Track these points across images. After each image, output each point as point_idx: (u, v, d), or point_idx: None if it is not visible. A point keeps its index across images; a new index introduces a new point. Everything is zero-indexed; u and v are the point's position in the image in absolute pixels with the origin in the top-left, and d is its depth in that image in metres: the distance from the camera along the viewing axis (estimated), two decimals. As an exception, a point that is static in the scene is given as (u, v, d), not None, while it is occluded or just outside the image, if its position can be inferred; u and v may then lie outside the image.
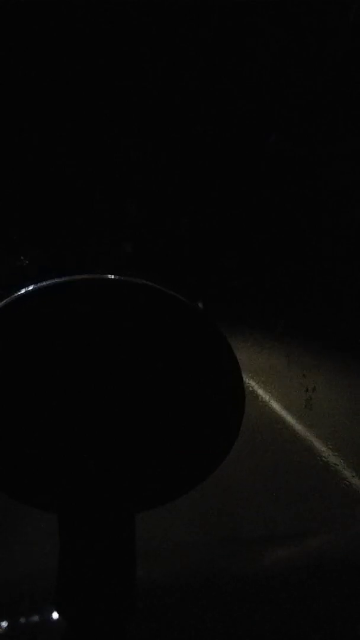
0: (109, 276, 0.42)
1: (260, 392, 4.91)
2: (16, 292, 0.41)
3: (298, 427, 3.97)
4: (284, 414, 4.33)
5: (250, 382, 5.12)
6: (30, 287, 0.41)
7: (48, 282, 0.41)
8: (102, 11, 12.66)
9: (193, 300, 0.42)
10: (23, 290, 0.41)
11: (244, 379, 0.44)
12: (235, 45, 12.90)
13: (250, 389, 4.97)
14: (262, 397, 4.78)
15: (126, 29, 13.18)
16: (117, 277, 0.41)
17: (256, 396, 4.79)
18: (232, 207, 13.90)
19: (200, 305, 0.40)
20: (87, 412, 0.42)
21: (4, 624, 0.64)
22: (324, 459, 3.32)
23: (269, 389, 4.99)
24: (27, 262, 10.83)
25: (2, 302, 0.40)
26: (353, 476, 3.06)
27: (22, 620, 0.65)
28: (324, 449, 3.49)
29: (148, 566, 0.71)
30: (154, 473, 0.44)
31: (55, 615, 0.44)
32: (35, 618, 0.64)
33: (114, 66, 13.68)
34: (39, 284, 0.41)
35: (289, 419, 4.19)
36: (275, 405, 4.56)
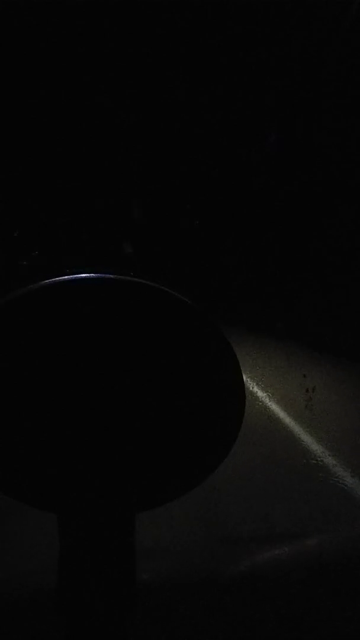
0: (110, 275, 0.42)
1: (260, 392, 4.91)
2: (17, 291, 0.41)
3: (298, 427, 3.98)
4: (284, 414, 4.33)
5: (251, 382, 5.12)
6: (31, 286, 0.41)
7: (48, 281, 0.41)
8: (102, 11, 12.67)
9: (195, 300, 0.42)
10: (24, 289, 0.41)
11: (244, 379, 0.44)
12: (235, 45, 12.90)
13: (251, 389, 4.97)
14: (262, 397, 4.78)
15: (126, 29, 13.19)
16: (117, 276, 0.41)
17: (256, 396, 4.79)
18: (232, 207, 13.90)
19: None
20: (87, 412, 0.42)
21: (4, 623, 0.64)
22: (323, 459, 3.32)
23: (269, 389, 4.99)
24: (26, 262, 10.83)
25: (3, 301, 0.40)
26: (352, 476, 3.06)
27: (22, 620, 0.65)
28: (323, 449, 3.49)
29: (148, 565, 0.71)
30: (154, 472, 0.44)
31: (55, 615, 0.44)
32: (36, 618, 0.64)
33: (114, 66, 13.69)
34: (39, 283, 0.41)
35: (289, 419, 4.19)
36: (275, 406, 4.56)
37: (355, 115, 10.95)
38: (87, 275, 0.42)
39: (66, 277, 0.41)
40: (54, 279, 0.41)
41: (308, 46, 11.90)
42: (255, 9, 12.20)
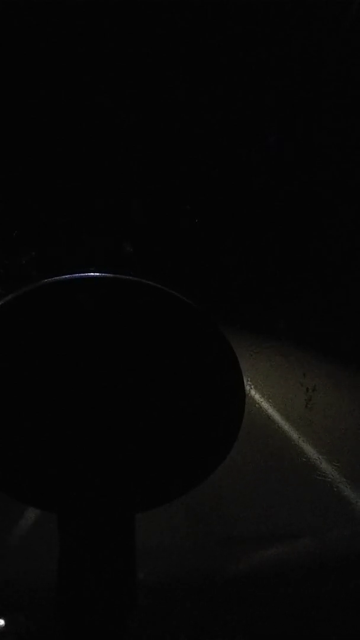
0: (110, 275, 0.42)
1: (260, 392, 4.91)
2: (17, 291, 0.41)
3: (297, 426, 3.97)
4: (283, 413, 4.33)
5: (250, 382, 5.12)
6: (31, 286, 0.41)
7: (48, 280, 0.41)
8: (102, 11, 12.66)
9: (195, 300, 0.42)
10: (24, 289, 0.41)
11: (244, 378, 0.44)
12: (235, 45, 12.90)
13: (250, 388, 4.97)
14: (261, 397, 4.78)
15: (126, 29, 13.19)
16: (119, 276, 0.41)
17: (256, 396, 4.79)
18: (232, 207, 13.89)
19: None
20: (88, 411, 0.42)
21: (5, 623, 0.64)
22: (322, 458, 3.32)
23: (269, 389, 4.99)
24: (26, 261, 10.82)
25: (3, 301, 0.40)
26: (352, 476, 3.06)
27: (23, 620, 0.65)
28: (323, 448, 3.49)
29: (148, 565, 0.71)
30: (154, 473, 0.44)
31: (55, 615, 0.44)
32: (36, 618, 0.64)
33: (114, 66, 13.68)
34: (39, 282, 0.41)
35: (289, 418, 4.19)
36: (275, 405, 4.56)
37: (355, 115, 10.95)
38: (87, 275, 0.42)
39: (66, 276, 0.41)
40: (53, 279, 0.41)
41: (308, 46, 11.89)
42: (255, 9, 12.19)
